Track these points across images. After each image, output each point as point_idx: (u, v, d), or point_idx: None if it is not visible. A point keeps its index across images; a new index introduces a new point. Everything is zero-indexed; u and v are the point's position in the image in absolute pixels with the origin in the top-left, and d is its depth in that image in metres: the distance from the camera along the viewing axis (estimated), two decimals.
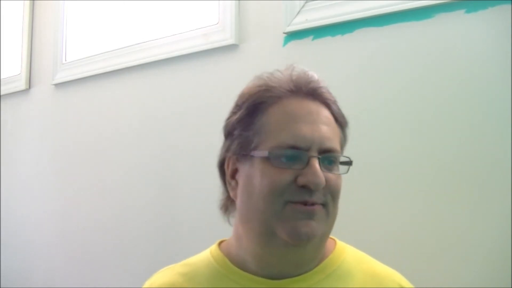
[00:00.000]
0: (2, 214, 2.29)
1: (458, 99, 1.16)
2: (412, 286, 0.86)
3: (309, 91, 0.79)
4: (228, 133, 0.82)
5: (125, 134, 1.85)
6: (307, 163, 0.75)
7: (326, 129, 0.77)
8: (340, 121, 0.82)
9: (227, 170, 0.82)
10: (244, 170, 0.79)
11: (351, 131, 1.29)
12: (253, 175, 0.77)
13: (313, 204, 0.75)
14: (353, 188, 1.29)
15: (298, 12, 1.39)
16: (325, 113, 0.79)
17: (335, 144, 0.78)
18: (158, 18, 1.77)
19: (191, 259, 0.89)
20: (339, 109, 0.82)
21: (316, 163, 0.74)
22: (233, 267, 0.82)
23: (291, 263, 0.79)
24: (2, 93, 2.35)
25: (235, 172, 0.81)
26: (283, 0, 1.42)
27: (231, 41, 1.54)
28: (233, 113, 0.82)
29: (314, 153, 0.75)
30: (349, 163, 0.81)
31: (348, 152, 1.29)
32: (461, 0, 1.16)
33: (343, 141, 0.83)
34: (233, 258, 0.83)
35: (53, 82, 2.11)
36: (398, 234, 1.21)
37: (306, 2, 1.38)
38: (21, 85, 2.26)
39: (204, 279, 0.83)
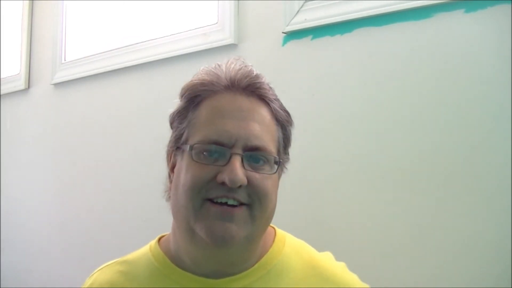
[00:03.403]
0: (2, 213, 2.29)
1: (457, 99, 1.16)
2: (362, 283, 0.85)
3: (244, 87, 0.76)
4: (171, 125, 0.82)
5: (125, 134, 1.85)
6: (229, 160, 0.72)
7: (256, 126, 0.74)
8: (280, 120, 0.79)
9: (168, 163, 0.82)
10: (178, 163, 0.78)
11: (350, 131, 1.30)
12: (181, 169, 0.76)
13: (234, 204, 0.72)
14: (354, 187, 1.29)
15: (297, 12, 1.38)
16: (260, 110, 0.77)
17: (265, 142, 0.75)
18: (158, 18, 1.77)
19: (131, 256, 0.88)
20: (281, 107, 0.80)
21: (236, 161, 0.72)
22: (172, 266, 0.81)
23: (221, 262, 0.77)
24: (1, 93, 2.35)
25: (174, 165, 0.80)
26: (282, 0, 1.42)
27: (230, 40, 1.54)
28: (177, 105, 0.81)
29: (237, 150, 0.73)
30: (277, 162, 0.76)
31: (347, 152, 1.29)
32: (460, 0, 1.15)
33: (284, 140, 0.80)
34: (172, 256, 0.82)
35: (52, 82, 2.11)
36: (398, 234, 1.21)
37: (305, 2, 1.38)
38: (21, 84, 2.26)
39: (144, 279, 0.82)
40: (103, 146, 1.92)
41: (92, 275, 0.88)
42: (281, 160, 0.78)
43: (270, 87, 0.80)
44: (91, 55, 1.98)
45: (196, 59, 1.63)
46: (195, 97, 0.78)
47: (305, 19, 1.37)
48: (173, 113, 0.81)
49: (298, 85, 1.39)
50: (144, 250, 0.87)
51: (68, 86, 2.07)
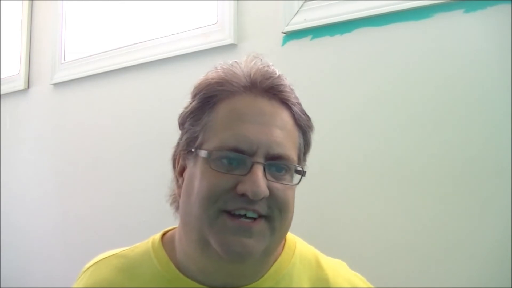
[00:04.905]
0: (2, 213, 2.29)
1: (457, 99, 1.16)
2: (369, 285, 0.82)
3: (266, 88, 0.71)
4: (180, 125, 0.76)
5: (124, 134, 1.85)
6: (250, 169, 0.67)
7: (278, 132, 0.69)
8: (302, 125, 0.74)
9: (176, 166, 0.77)
10: (189, 168, 0.73)
11: (350, 131, 1.30)
12: (195, 175, 0.70)
13: (253, 217, 0.67)
14: (354, 187, 1.29)
15: (297, 12, 1.38)
16: (282, 114, 0.71)
17: (287, 150, 0.70)
18: (157, 18, 1.77)
19: (130, 250, 0.82)
20: (302, 111, 0.75)
21: (258, 171, 0.67)
22: (176, 272, 0.76)
23: (233, 275, 0.73)
24: (1, 93, 2.35)
25: (183, 169, 0.75)
26: (282, 0, 1.42)
27: (230, 40, 1.54)
28: (188, 104, 0.75)
29: (259, 158, 0.67)
30: (301, 172, 0.72)
31: (347, 152, 1.29)
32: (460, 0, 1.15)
33: (304, 147, 0.75)
34: (176, 261, 0.77)
35: (52, 82, 2.11)
36: (398, 235, 1.21)
37: (304, 2, 1.38)
38: (20, 84, 2.26)
39: (144, 281, 0.76)
40: (102, 146, 1.92)
41: (88, 268, 0.83)
42: (304, 170, 0.73)
43: (292, 89, 0.75)
44: (90, 55, 1.98)
45: (196, 59, 1.63)
46: (210, 97, 0.72)
47: (305, 19, 1.37)
48: (185, 113, 0.75)
49: (298, 85, 1.38)
50: (145, 248, 0.81)
51: (68, 86, 2.06)
